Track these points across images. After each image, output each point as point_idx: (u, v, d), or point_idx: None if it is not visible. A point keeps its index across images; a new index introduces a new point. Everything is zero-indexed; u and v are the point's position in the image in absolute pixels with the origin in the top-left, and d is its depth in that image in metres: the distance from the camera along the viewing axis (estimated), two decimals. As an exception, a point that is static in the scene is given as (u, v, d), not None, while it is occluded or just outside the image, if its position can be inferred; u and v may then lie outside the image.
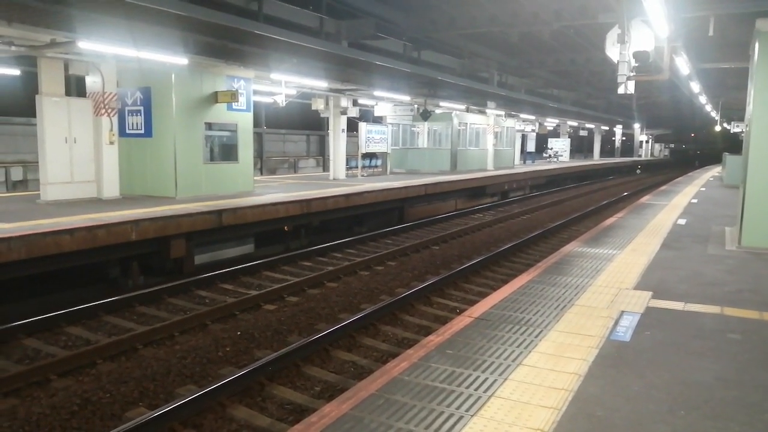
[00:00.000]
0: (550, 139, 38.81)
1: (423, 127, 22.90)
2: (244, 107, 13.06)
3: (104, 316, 7.52)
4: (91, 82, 11.07)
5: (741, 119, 29.27)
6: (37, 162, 10.91)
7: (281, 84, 14.57)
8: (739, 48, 14.67)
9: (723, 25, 13.12)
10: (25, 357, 6.28)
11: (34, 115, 10.61)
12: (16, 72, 14.55)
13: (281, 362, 5.74)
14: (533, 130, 33.44)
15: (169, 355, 6.22)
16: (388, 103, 21.70)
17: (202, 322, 7.29)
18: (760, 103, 7.63)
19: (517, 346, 4.20)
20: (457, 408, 3.26)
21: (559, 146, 38.25)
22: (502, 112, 26.09)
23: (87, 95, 11.16)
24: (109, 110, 11.13)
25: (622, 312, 5.02)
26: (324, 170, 27.14)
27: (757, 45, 7.63)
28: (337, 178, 17.82)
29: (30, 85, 12.46)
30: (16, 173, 17.39)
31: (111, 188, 11.37)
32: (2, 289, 7.56)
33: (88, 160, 11.09)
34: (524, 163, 33.26)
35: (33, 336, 6.78)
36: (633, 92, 9.61)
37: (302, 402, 5.20)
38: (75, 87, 15.05)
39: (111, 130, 11.23)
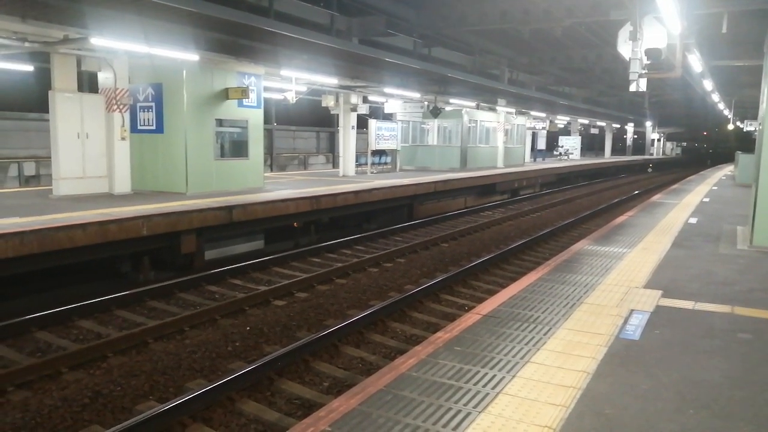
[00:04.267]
0: (560, 137, 38.61)
1: (433, 124, 22.85)
2: (255, 104, 13.10)
3: (116, 310, 7.59)
4: (103, 78, 11.14)
5: (754, 117, 29.01)
6: (50, 157, 11.01)
7: (291, 81, 14.59)
8: (753, 45, 14.52)
9: (736, 21, 12.99)
10: (37, 350, 6.34)
11: (46, 110, 10.70)
12: (29, 68, 14.70)
13: (290, 357, 5.77)
14: (544, 128, 33.26)
15: (179, 350, 6.27)
16: (398, 100, 21.67)
17: (211, 317, 7.33)
18: (774, 101, 7.56)
19: (526, 344, 4.20)
20: (465, 404, 3.27)
21: (570, 144, 38.05)
22: (513, 110, 25.98)
23: (99, 91, 11.24)
24: (121, 106, 11.21)
25: (632, 310, 5.00)
26: (334, 167, 27.17)
27: (771, 42, 7.56)
28: (347, 175, 17.83)
29: (43, 81, 12.56)
30: (29, 168, 17.56)
31: (122, 184, 11.45)
32: (16, 282, 7.65)
33: (100, 156, 11.17)
34: (534, 160, 33.11)
35: (45, 329, 6.85)
36: (645, 90, 9.55)
37: (311, 397, 5.22)
38: (87, 83, 15.15)
39: (123, 125, 11.31)
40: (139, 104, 12.12)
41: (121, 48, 9.98)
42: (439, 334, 4.41)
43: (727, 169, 31.66)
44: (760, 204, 7.77)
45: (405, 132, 22.57)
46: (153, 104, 11.97)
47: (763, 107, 8.08)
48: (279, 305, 7.95)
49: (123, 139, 11.35)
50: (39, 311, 7.00)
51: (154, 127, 12.03)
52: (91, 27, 9.27)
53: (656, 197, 15.46)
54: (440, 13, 17.33)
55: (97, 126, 11.05)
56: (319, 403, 5.00)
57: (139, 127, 12.18)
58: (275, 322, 7.18)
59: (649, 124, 49.45)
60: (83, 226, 7.78)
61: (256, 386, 5.34)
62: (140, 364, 5.86)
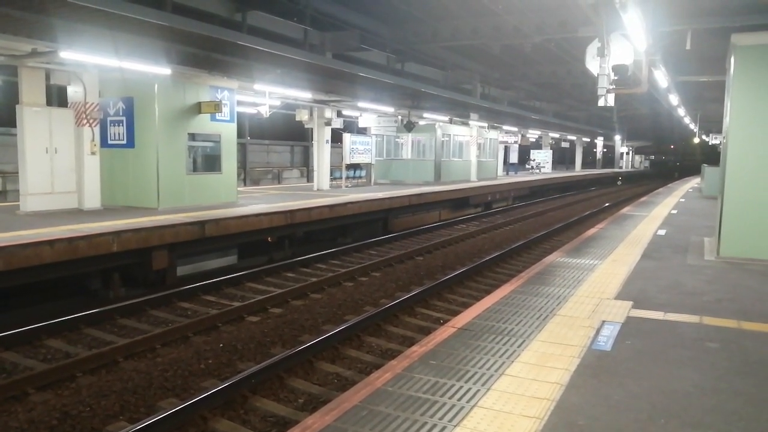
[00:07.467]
0: (532, 151, 39.17)
1: (407, 138, 23.01)
2: (228, 118, 13.03)
3: (85, 329, 7.42)
4: (73, 92, 10.98)
5: (719, 131, 29.82)
6: (18, 172, 10.77)
7: (265, 95, 14.57)
8: (716, 62, 14.98)
9: (700, 39, 13.40)
10: (2, 371, 6.17)
11: (14, 125, 10.49)
12: (-5, 81, 14.38)
13: (264, 374, 5.71)
14: (516, 142, 33.72)
15: (151, 368, 6.15)
16: (372, 114, 21.78)
17: (184, 334, 7.22)
18: (737, 115, 7.79)
19: (500, 356, 4.22)
20: (440, 418, 3.27)
21: (542, 158, 38.61)
22: (485, 124, 26.31)
23: (68, 105, 11.06)
24: (91, 120, 11.05)
25: (603, 322, 5.07)
26: (308, 181, 27.12)
27: (732, 59, 7.81)
28: (321, 189, 17.81)
29: (10, 95, 12.33)
30: (-5, 184, 17.14)
31: (92, 199, 11.25)
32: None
33: (69, 171, 10.97)
34: (507, 174, 33.50)
35: (11, 349, 6.66)
36: (613, 104, 9.75)
37: (285, 414, 5.17)
38: (56, 97, 14.91)
39: (93, 140, 11.14)
40: (109, 118, 11.96)
41: (91, 62, 9.86)
42: (414, 348, 4.41)
43: (694, 182, 32.40)
44: (725, 216, 7.97)
45: (379, 146, 22.70)
46: (124, 118, 11.82)
47: (726, 121, 8.32)
48: (253, 321, 7.86)
49: (93, 153, 11.17)
50: (5, 330, 6.82)
51: (124, 142, 11.87)
52: (60, 40, 9.15)
53: (626, 209, 15.75)
54: (413, 28, 17.53)
55: (66, 140, 10.87)
56: (294, 420, 4.94)
57: (109, 142, 12.00)
58: (249, 339, 7.10)
59: (618, 137, 50.50)
60: (51, 243, 7.62)
61: (230, 404, 5.26)
62: (110, 384, 5.73)
